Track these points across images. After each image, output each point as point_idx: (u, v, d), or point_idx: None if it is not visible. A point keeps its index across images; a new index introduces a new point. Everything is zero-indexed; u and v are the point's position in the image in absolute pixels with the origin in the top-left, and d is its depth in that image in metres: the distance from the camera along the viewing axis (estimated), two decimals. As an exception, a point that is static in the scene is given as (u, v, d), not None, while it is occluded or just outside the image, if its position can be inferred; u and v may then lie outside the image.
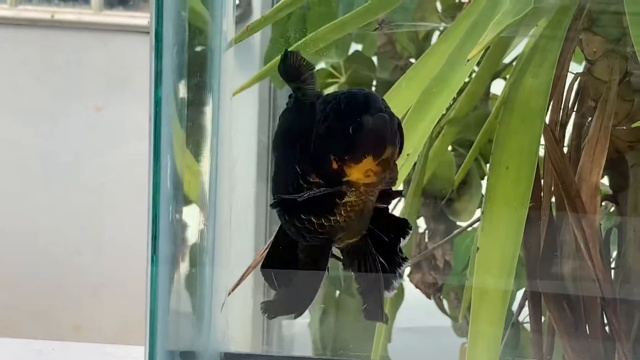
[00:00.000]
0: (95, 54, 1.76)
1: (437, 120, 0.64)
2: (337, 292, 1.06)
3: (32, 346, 0.79)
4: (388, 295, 0.50)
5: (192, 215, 0.62)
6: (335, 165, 0.46)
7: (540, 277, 0.67)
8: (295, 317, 0.51)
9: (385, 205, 0.51)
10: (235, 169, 0.65)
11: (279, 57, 0.49)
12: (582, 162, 0.65)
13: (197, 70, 0.60)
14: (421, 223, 1.04)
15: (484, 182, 0.94)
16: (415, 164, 0.74)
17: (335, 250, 0.51)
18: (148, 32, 0.53)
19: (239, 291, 0.65)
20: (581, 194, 0.64)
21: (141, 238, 0.54)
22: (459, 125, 0.79)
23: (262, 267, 0.52)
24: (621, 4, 0.61)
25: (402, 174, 0.58)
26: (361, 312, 0.51)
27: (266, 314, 0.51)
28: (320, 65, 1.05)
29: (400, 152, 0.47)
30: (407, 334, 1.03)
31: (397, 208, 0.64)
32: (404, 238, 0.51)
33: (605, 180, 0.72)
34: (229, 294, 0.51)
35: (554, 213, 0.67)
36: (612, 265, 0.70)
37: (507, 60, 0.79)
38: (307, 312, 1.14)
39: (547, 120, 0.66)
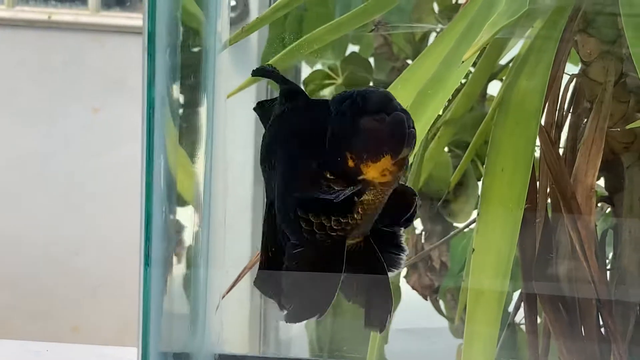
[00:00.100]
0: (92, 55, 1.76)
1: (432, 122, 0.64)
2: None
3: (29, 347, 0.79)
4: (395, 272, 0.50)
5: (186, 217, 0.61)
6: (351, 164, 0.46)
7: (535, 279, 0.67)
8: (319, 318, 0.51)
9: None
10: (229, 170, 0.65)
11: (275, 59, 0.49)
12: (577, 163, 0.65)
13: (191, 71, 0.60)
14: (418, 224, 1.05)
15: (480, 183, 0.94)
16: (411, 165, 0.74)
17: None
18: (145, 33, 0.53)
19: (236, 293, 0.64)
20: (577, 196, 0.64)
21: (139, 239, 0.54)
22: (455, 126, 0.79)
23: (258, 280, 0.52)
24: (616, 6, 0.61)
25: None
26: (359, 315, 0.51)
27: (289, 322, 0.51)
28: (317, 66, 1.05)
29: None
30: (403, 335, 1.03)
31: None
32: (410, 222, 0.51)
33: (601, 182, 0.72)
34: (223, 296, 0.51)
35: (550, 214, 0.67)
36: (608, 266, 0.70)
37: (504, 61, 0.79)
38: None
39: (542, 121, 0.66)
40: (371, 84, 1.05)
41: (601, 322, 0.67)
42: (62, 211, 1.80)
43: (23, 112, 1.80)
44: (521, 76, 0.64)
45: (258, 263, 0.52)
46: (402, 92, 0.65)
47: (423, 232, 1.06)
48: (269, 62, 0.76)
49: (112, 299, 1.73)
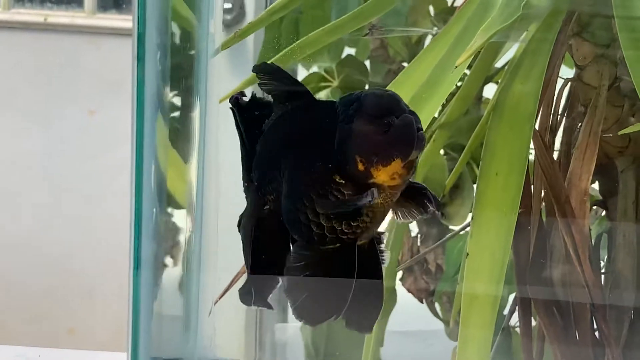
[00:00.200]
0: (88, 57, 1.76)
1: (427, 125, 0.64)
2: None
3: (21, 352, 0.79)
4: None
5: (178, 220, 0.61)
6: (361, 167, 0.46)
7: (530, 283, 0.67)
8: (336, 319, 0.51)
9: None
10: (222, 174, 0.65)
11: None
12: (571, 167, 0.65)
13: (183, 74, 0.60)
14: (413, 227, 1.05)
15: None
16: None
17: None
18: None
19: (232, 297, 0.64)
20: (571, 200, 0.64)
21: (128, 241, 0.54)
22: (450, 129, 0.79)
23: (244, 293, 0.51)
24: (610, 9, 0.61)
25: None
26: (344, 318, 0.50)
27: (308, 324, 0.51)
28: (313, 69, 1.05)
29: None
30: (399, 337, 1.02)
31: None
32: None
33: (596, 186, 0.72)
34: (216, 302, 0.51)
35: (544, 219, 0.67)
36: (603, 270, 0.70)
37: (500, 63, 0.79)
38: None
39: (536, 126, 0.66)
40: (367, 86, 1.05)
41: (595, 326, 0.67)
42: (57, 213, 1.80)
43: (19, 114, 1.80)
44: (515, 80, 0.64)
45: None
46: (397, 96, 0.65)
47: (419, 235, 1.06)
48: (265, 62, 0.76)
49: (108, 301, 1.73)
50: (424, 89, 0.64)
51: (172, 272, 0.68)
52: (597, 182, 0.71)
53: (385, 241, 0.51)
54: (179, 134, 0.62)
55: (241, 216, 0.53)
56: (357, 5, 0.76)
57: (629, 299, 0.67)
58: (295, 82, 0.50)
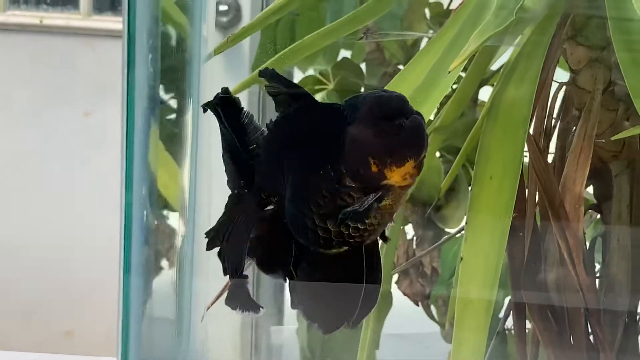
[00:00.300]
0: (83, 59, 1.75)
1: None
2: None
3: (18, 357, 0.79)
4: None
5: (170, 224, 0.61)
6: (375, 169, 0.46)
7: (524, 287, 0.67)
8: (353, 327, 0.51)
9: None
10: (214, 177, 0.65)
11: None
12: (566, 171, 0.65)
13: (175, 77, 0.60)
14: (409, 230, 1.04)
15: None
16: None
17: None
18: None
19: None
20: (565, 204, 0.64)
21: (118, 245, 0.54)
22: (445, 132, 0.79)
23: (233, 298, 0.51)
24: (604, 11, 0.61)
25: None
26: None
27: (325, 332, 0.51)
28: (309, 71, 1.05)
29: None
30: (395, 340, 1.02)
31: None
32: None
33: (590, 190, 0.72)
34: (208, 308, 0.50)
35: (539, 223, 0.67)
36: (597, 274, 0.70)
37: (495, 66, 0.79)
38: (294, 319, 1.13)
39: (531, 130, 0.66)
40: (362, 89, 1.05)
41: (590, 331, 0.67)
42: (53, 215, 1.80)
43: (14, 116, 1.80)
44: (509, 84, 0.64)
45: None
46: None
47: (414, 238, 1.06)
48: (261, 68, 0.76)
49: (106, 303, 1.72)
50: (419, 93, 0.64)
51: (167, 275, 0.67)
52: (591, 186, 0.71)
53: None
54: (172, 137, 0.62)
55: (212, 230, 0.53)
56: (353, 8, 0.76)
57: (623, 303, 0.67)
58: (295, 85, 0.50)
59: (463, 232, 0.94)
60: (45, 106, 1.78)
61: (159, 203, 0.62)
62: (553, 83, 0.67)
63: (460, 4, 0.68)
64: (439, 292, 1.03)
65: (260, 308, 0.50)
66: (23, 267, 1.81)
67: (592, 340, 0.67)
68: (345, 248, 0.49)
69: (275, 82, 0.49)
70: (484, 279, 0.62)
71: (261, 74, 0.49)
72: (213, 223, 0.63)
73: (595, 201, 0.71)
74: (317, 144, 0.48)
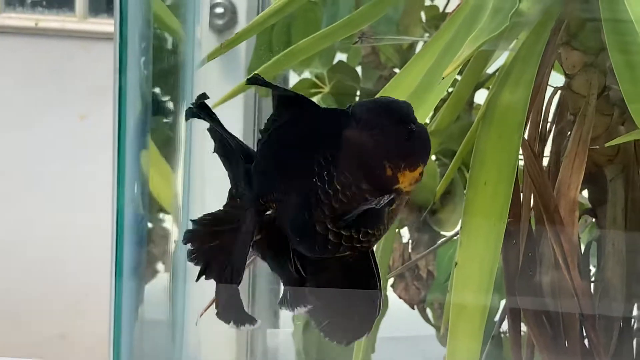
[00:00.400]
0: (79, 61, 1.75)
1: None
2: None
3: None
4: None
5: (163, 228, 0.61)
6: (389, 172, 0.47)
7: (519, 292, 0.67)
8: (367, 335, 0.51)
9: None
10: (207, 181, 0.64)
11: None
12: (560, 176, 0.65)
13: (168, 81, 0.60)
14: (405, 233, 1.04)
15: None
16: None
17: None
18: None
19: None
20: (560, 209, 0.64)
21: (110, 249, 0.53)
22: (441, 136, 0.79)
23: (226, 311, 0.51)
24: (600, 19, 0.61)
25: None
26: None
27: (342, 344, 0.51)
28: (304, 75, 1.05)
29: None
30: (391, 343, 1.02)
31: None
32: None
33: (585, 194, 0.72)
34: (201, 315, 0.50)
35: (533, 227, 0.67)
36: (592, 278, 0.70)
37: (491, 69, 0.79)
38: (290, 322, 1.13)
39: (526, 134, 0.66)
40: (358, 93, 1.05)
41: (585, 335, 0.67)
42: (47, 217, 1.80)
43: (8, 119, 1.79)
44: (504, 89, 0.64)
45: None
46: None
47: (410, 241, 1.06)
48: (256, 72, 0.75)
49: (99, 306, 1.72)
50: (415, 96, 0.64)
51: (163, 279, 0.67)
52: (586, 190, 0.71)
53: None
54: (166, 141, 0.62)
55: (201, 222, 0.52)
56: (349, 12, 0.75)
57: (618, 308, 0.67)
58: (289, 92, 0.50)
59: (458, 235, 0.94)
60: (41, 109, 1.78)
61: (154, 206, 0.62)
62: (548, 87, 0.67)
63: (456, 7, 0.68)
64: (435, 295, 1.03)
65: (256, 321, 0.50)
66: (16, 270, 1.81)
67: (587, 344, 0.67)
68: (348, 253, 0.49)
69: (264, 87, 0.49)
70: (479, 284, 0.62)
71: (249, 81, 0.50)
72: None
73: (590, 205, 0.71)
74: (329, 148, 0.48)
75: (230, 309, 0.51)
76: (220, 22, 1.15)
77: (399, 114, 0.47)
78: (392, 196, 0.47)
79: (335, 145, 0.47)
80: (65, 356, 1.80)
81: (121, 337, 0.51)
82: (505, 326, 0.76)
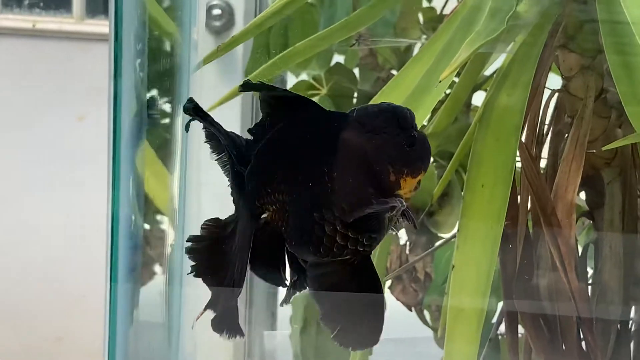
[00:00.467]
0: (76, 63, 1.75)
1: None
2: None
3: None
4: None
5: (159, 232, 0.61)
6: (393, 178, 0.47)
7: (516, 295, 0.67)
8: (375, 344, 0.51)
9: None
10: (203, 184, 0.64)
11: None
12: (558, 179, 0.65)
13: (164, 83, 0.59)
14: (402, 235, 1.04)
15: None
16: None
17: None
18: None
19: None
20: (557, 211, 0.64)
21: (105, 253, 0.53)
22: (438, 138, 0.79)
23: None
24: (596, 22, 0.61)
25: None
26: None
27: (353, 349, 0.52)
28: (302, 76, 1.05)
29: None
30: (388, 345, 1.02)
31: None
32: None
33: (583, 196, 0.72)
34: (197, 318, 0.50)
35: (531, 230, 0.67)
36: (590, 281, 0.70)
37: (489, 71, 0.79)
38: (287, 324, 1.13)
39: (523, 137, 0.66)
40: (355, 94, 1.04)
41: (582, 338, 0.67)
42: (44, 219, 1.79)
43: (6, 120, 1.79)
44: (502, 91, 0.64)
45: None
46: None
47: (407, 243, 1.05)
48: (251, 75, 0.75)
49: (96, 309, 1.72)
50: (412, 99, 0.64)
51: (159, 281, 0.67)
52: (583, 193, 0.71)
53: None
54: (162, 143, 0.62)
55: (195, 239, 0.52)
56: (347, 14, 0.75)
57: (615, 311, 0.67)
58: (289, 94, 0.50)
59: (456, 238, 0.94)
60: (39, 110, 1.78)
61: (150, 209, 0.62)
62: (545, 90, 0.67)
63: (453, 10, 0.68)
64: (432, 297, 1.03)
65: (243, 334, 0.51)
66: (13, 272, 1.81)
67: (584, 347, 0.67)
68: (347, 257, 0.49)
69: (259, 91, 0.49)
70: (476, 287, 0.62)
71: (242, 87, 0.50)
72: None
73: (587, 208, 0.71)
74: (335, 152, 0.48)
75: (225, 320, 0.51)
76: (217, 23, 1.15)
77: (403, 121, 0.48)
78: (405, 205, 0.47)
79: (342, 149, 0.48)
80: (62, 358, 1.80)
81: (116, 340, 0.51)
82: (502, 329, 0.75)
